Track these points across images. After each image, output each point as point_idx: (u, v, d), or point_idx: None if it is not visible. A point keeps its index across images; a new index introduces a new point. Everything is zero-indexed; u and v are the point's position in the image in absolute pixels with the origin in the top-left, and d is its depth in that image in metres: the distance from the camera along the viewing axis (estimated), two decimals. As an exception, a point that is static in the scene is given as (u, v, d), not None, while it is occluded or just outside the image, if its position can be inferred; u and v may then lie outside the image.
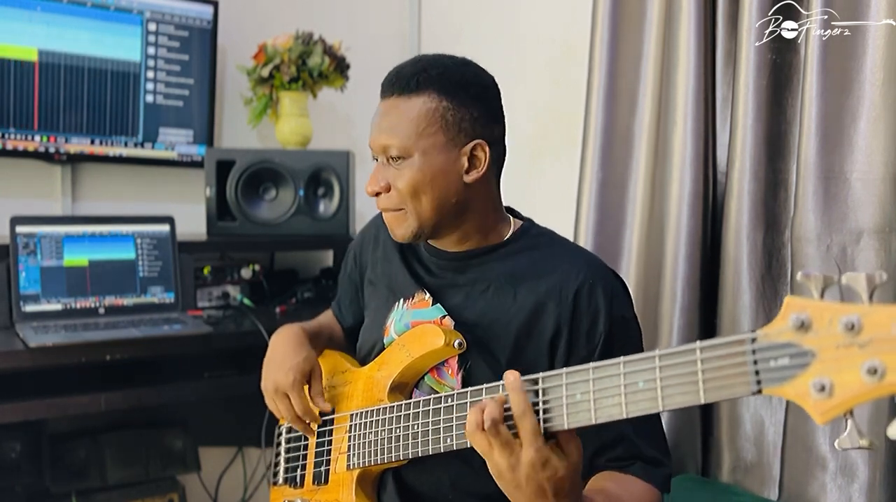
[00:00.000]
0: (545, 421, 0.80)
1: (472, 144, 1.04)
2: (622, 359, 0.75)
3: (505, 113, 1.11)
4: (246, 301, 1.99)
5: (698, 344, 0.69)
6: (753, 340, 0.65)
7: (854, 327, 0.59)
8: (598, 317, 1.02)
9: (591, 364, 0.78)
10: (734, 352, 0.66)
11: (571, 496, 0.82)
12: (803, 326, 0.62)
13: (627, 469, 1.00)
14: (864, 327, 0.59)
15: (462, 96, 1.03)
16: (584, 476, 1.01)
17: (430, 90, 1.02)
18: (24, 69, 1.87)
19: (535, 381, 0.82)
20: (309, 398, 1.14)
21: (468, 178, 1.05)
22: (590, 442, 1.00)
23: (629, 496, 0.97)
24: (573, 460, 0.81)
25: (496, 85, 1.10)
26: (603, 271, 1.07)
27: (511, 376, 0.81)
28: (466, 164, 1.04)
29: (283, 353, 1.16)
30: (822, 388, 0.60)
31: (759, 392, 0.65)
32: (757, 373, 0.65)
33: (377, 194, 1.07)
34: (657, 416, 1.06)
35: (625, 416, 0.74)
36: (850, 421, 0.61)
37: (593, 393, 0.77)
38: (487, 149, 1.05)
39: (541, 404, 0.81)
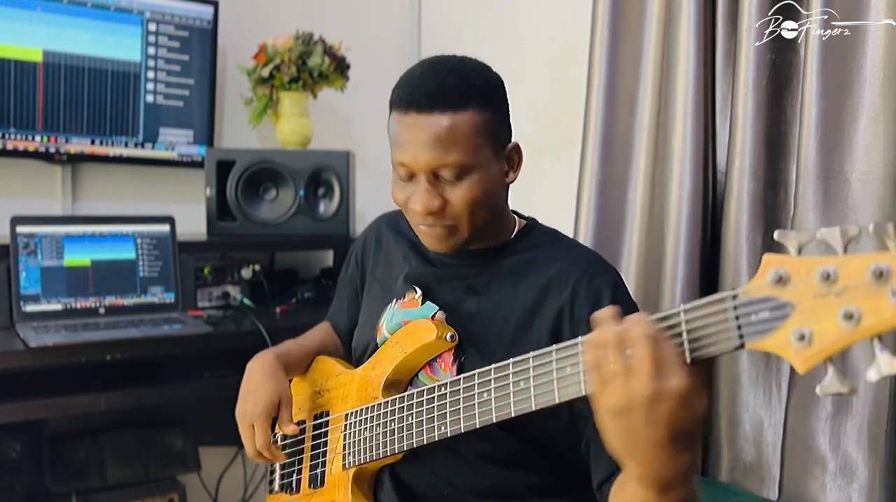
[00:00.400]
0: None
1: (508, 147, 1.06)
2: None
3: None
4: (246, 301, 1.99)
5: (682, 306, 0.71)
6: (734, 297, 0.67)
7: (830, 277, 0.61)
8: (600, 299, 1.01)
9: (580, 338, 0.78)
10: (717, 310, 0.68)
11: (694, 452, 0.76)
12: (781, 280, 0.64)
13: None
14: (840, 276, 0.61)
15: (497, 104, 1.04)
16: (598, 487, 0.96)
17: (475, 103, 0.99)
18: (26, 69, 1.87)
19: (528, 361, 0.83)
20: (268, 435, 1.15)
21: (508, 180, 1.07)
22: (606, 463, 0.93)
23: None
24: (704, 405, 0.70)
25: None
26: (604, 266, 1.08)
27: (636, 314, 0.72)
28: (506, 167, 1.06)
29: (254, 385, 1.17)
30: (802, 337, 0.62)
31: (742, 346, 0.66)
32: (739, 327, 0.66)
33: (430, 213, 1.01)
34: None
35: None
36: (830, 368, 0.62)
37: (583, 365, 0.77)
38: (521, 149, 1.08)
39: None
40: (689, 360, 0.70)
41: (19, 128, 1.88)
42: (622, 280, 1.08)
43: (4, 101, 1.85)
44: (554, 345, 0.81)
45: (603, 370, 0.71)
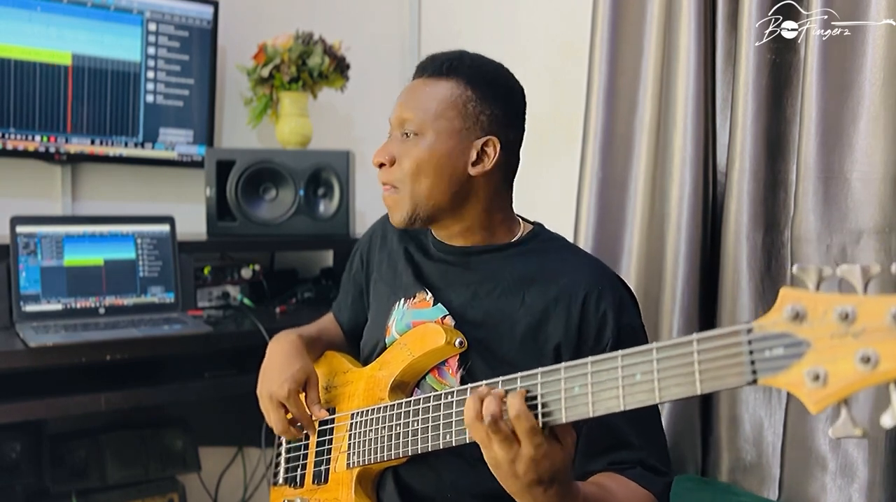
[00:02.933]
0: (544, 415, 0.81)
1: (484, 139, 1.06)
2: (620, 352, 0.76)
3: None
4: (246, 301, 1.99)
5: (695, 335, 0.70)
6: (749, 331, 0.66)
7: (848, 317, 0.60)
8: (605, 324, 1.02)
9: (590, 358, 0.78)
10: (730, 344, 0.67)
11: (564, 483, 0.84)
12: (798, 317, 0.62)
13: (626, 471, 1.00)
14: (859, 317, 0.59)
15: (487, 92, 1.06)
16: (582, 478, 1.00)
17: (458, 77, 1.06)
18: (25, 69, 1.87)
19: (535, 376, 0.82)
20: (305, 406, 1.15)
21: (473, 171, 1.06)
22: (592, 446, 1.01)
23: (624, 494, 0.97)
24: (569, 449, 0.83)
25: (524, 94, 1.12)
26: (612, 279, 1.08)
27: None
28: (474, 157, 1.06)
29: (280, 363, 1.16)
30: (817, 377, 0.61)
31: (755, 382, 0.65)
32: (752, 362, 0.65)
33: (381, 165, 1.09)
34: (661, 428, 1.07)
35: (622, 408, 0.75)
36: (843, 410, 0.61)
37: (591, 387, 0.77)
38: (498, 147, 1.06)
39: (539, 400, 0.81)
40: (699, 392, 0.69)
41: (19, 127, 1.88)
42: (628, 293, 1.08)
43: (4, 100, 1.85)
44: (563, 363, 0.80)
45: (475, 436, 0.84)
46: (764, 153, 1.41)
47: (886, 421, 0.58)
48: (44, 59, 1.89)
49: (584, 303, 1.02)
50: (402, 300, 1.15)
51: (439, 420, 0.94)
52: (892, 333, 0.57)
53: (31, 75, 1.88)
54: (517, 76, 1.14)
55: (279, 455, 1.27)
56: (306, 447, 1.20)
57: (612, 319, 1.02)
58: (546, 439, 0.80)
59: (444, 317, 1.09)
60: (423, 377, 1.09)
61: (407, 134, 1.06)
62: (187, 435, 2.02)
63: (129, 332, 1.60)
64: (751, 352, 0.65)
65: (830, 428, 0.62)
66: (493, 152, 1.06)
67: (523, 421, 0.80)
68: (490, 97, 1.06)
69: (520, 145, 1.12)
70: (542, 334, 1.03)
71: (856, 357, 0.59)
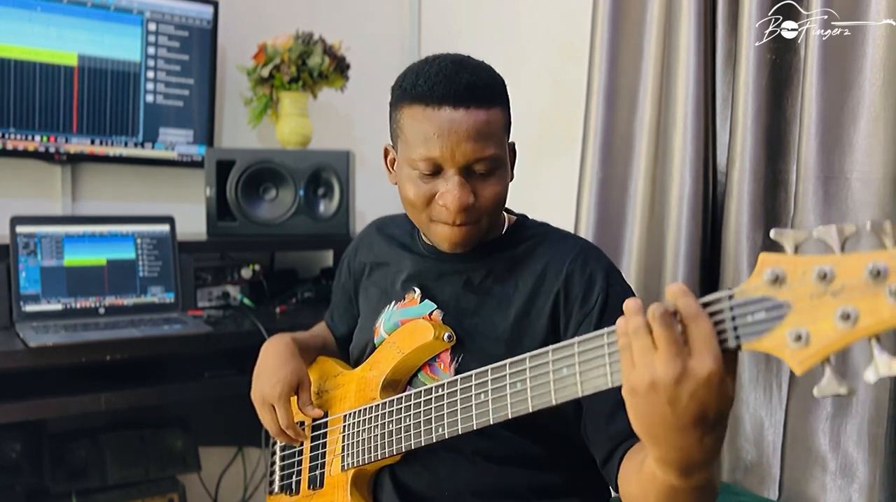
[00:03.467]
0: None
1: (508, 145, 1.07)
2: (605, 330, 0.75)
3: None
4: (246, 301, 1.99)
5: None
6: (731, 297, 0.66)
7: (826, 276, 0.60)
8: (593, 281, 1.02)
9: (576, 338, 0.78)
10: (713, 311, 0.67)
11: (724, 430, 0.69)
12: (777, 280, 0.63)
13: None
14: (837, 275, 0.59)
15: (508, 104, 1.05)
16: (602, 465, 0.97)
17: (500, 99, 1.02)
18: (26, 69, 1.87)
19: (524, 361, 0.83)
20: (298, 409, 1.16)
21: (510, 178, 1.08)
22: (606, 439, 0.95)
23: None
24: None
25: None
26: (596, 251, 1.09)
27: (675, 285, 0.67)
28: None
29: (272, 365, 1.17)
30: (799, 338, 0.61)
31: (739, 347, 0.65)
32: (735, 328, 0.65)
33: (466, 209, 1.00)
34: None
35: (610, 385, 0.74)
36: (828, 369, 0.61)
37: (579, 366, 0.77)
38: (515, 148, 1.09)
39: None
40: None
41: (19, 127, 1.88)
42: (614, 265, 1.09)
43: (4, 100, 1.85)
44: (550, 346, 0.81)
45: (631, 350, 0.68)
46: (764, 153, 1.41)
47: (870, 376, 0.58)
48: (45, 60, 1.89)
49: (569, 267, 1.04)
50: (393, 303, 1.16)
51: (431, 414, 0.95)
52: (871, 289, 0.57)
53: (32, 75, 1.88)
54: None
55: (273, 463, 1.27)
56: (300, 453, 1.21)
57: (601, 278, 1.03)
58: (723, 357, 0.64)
59: (432, 312, 1.09)
60: (415, 375, 1.09)
61: (481, 172, 1.00)
62: (187, 435, 2.02)
63: (129, 332, 1.60)
64: (733, 318, 0.65)
65: (815, 387, 0.61)
66: (514, 155, 1.09)
67: (702, 322, 0.65)
68: (508, 107, 1.06)
69: None
70: (534, 309, 1.04)
71: (836, 315, 0.59)
